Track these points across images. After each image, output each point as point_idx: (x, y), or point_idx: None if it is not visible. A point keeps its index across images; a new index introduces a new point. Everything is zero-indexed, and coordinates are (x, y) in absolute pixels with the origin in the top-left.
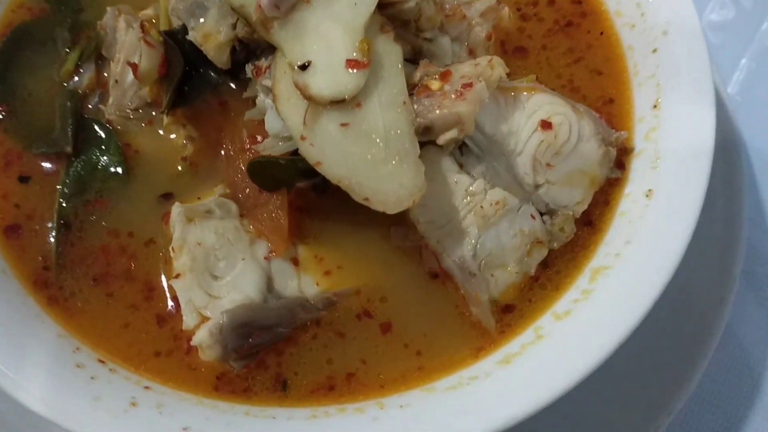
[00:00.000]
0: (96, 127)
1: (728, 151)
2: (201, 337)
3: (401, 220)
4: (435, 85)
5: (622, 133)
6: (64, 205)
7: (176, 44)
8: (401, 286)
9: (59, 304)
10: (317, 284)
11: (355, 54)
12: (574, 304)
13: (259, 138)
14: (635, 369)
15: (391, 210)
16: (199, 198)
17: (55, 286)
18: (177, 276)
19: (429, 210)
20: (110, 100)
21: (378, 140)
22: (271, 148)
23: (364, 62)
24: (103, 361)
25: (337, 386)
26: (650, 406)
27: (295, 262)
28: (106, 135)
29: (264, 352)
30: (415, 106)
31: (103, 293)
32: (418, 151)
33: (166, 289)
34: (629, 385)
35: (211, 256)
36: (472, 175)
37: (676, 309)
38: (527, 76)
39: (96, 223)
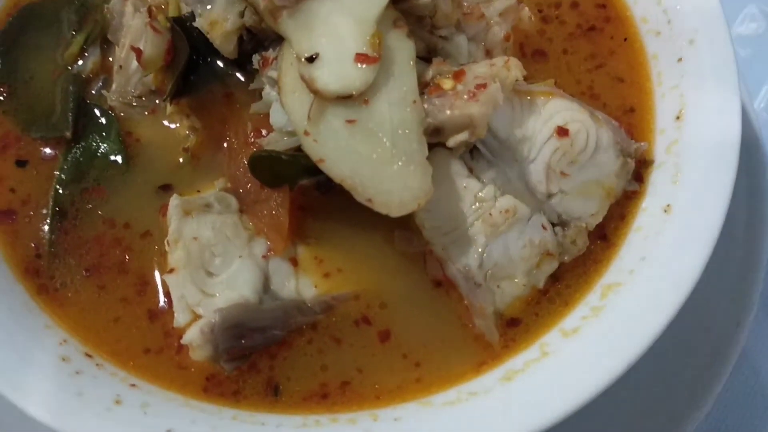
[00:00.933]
0: (97, 113)
1: (752, 168)
2: (192, 335)
3: (406, 225)
4: (447, 84)
5: (642, 144)
6: (60, 191)
7: (184, 31)
8: (403, 293)
9: (49, 294)
10: (315, 286)
11: (365, 48)
12: (583, 321)
13: (264, 132)
14: (644, 393)
15: (395, 213)
16: (198, 191)
17: (46, 275)
18: (171, 271)
19: (435, 215)
20: (113, 86)
21: (385, 139)
22: (275, 142)
23: (375, 57)
24: (90, 356)
25: (331, 394)
26: None
27: (294, 262)
28: (108, 122)
29: (256, 355)
30: (426, 106)
31: (94, 285)
32: (427, 152)
33: (160, 284)
34: (638, 410)
35: (207, 251)
36: (482, 180)
37: (689, 331)
38: (545, 80)
39: (92, 212)
